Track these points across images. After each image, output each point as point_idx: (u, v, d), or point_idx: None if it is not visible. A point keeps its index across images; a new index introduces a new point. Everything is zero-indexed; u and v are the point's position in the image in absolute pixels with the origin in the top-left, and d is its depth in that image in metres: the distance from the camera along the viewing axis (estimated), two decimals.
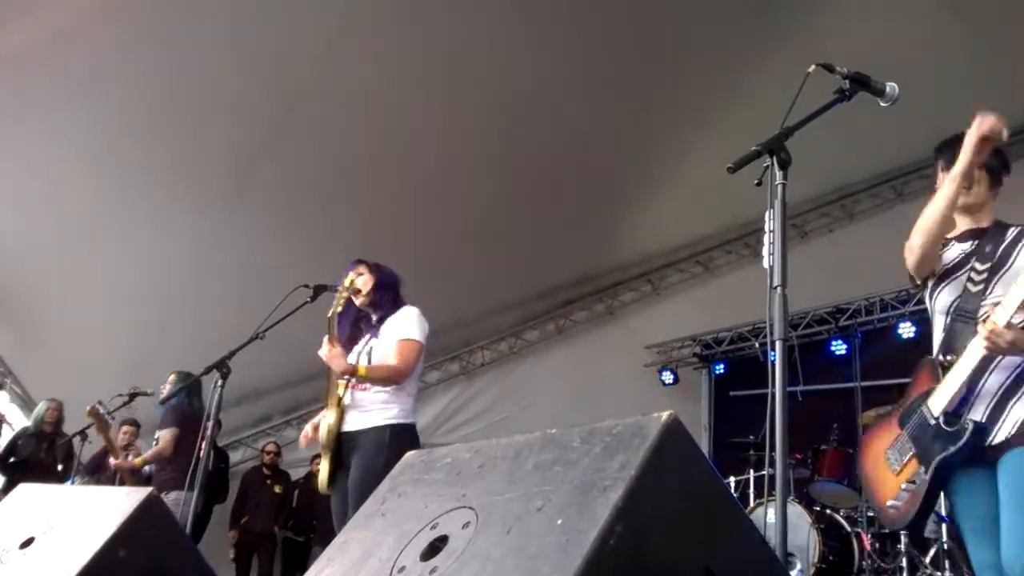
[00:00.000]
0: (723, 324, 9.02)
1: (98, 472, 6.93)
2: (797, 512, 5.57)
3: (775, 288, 2.16)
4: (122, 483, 6.35)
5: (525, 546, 1.27)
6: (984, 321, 2.33)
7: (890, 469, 2.54)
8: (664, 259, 9.43)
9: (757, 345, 8.54)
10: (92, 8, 5.46)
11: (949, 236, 2.65)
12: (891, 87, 2.40)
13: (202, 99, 6.15)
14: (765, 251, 2.22)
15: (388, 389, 3.67)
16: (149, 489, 2.35)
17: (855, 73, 2.38)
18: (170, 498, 5.39)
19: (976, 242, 2.56)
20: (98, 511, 2.30)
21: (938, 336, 2.57)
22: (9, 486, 6.34)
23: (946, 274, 2.58)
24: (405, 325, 3.74)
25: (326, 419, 3.68)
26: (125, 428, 6.68)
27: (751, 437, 6.60)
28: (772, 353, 2.16)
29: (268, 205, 7.00)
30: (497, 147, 6.95)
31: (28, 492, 2.77)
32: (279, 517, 8.43)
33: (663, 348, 9.60)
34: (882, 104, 2.43)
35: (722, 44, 6.42)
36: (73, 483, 6.39)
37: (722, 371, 9.37)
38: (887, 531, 5.43)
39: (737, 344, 8.98)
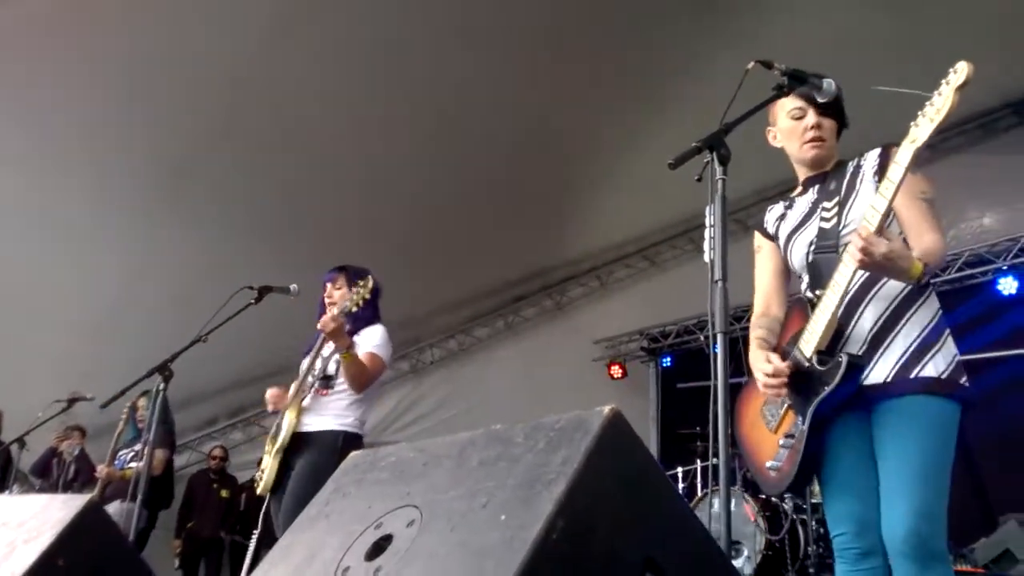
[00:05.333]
0: (669, 318, 9.16)
1: (43, 475, 6.79)
2: (749, 505, 5.67)
3: (716, 282, 2.19)
4: (65, 490, 6.22)
5: (469, 543, 1.27)
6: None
7: (767, 427, 2.40)
8: (611, 254, 9.52)
9: (702, 338, 8.67)
10: (28, 12, 5.32)
11: (792, 194, 2.61)
12: (827, 83, 2.43)
13: (141, 98, 6.02)
14: (706, 246, 2.25)
15: (348, 401, 3.77)
16: (88, 496, 2.30)
17: (792, 70, 2.40)
18: (112, 508, 5.30)
19: (818, 186, 2.51)
20: (35, 519, 2.24)
21: (805, 288, 2.47)
22: None
23: (796, 228, 2.50)
24: (374, 341, 3.85)
25: (286, 419, 3.69)
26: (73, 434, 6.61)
27: (698, 428, 6.71)
28: (715, 346, 2.19)
29: (209, 206, 6.86)
30: (442, 144, 6.92)
31: None
32: (225, 521, 8.32)
33: (611, 342, 9.69)
34: (819, 100, 2.46)
35: (666, 41, 6.48)
36: (11, 492, 6.23)
37: (669, 364, 9.51)
38: None
39: (683, 337, 9.11)
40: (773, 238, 2.60)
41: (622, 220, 8.78)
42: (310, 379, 3.82)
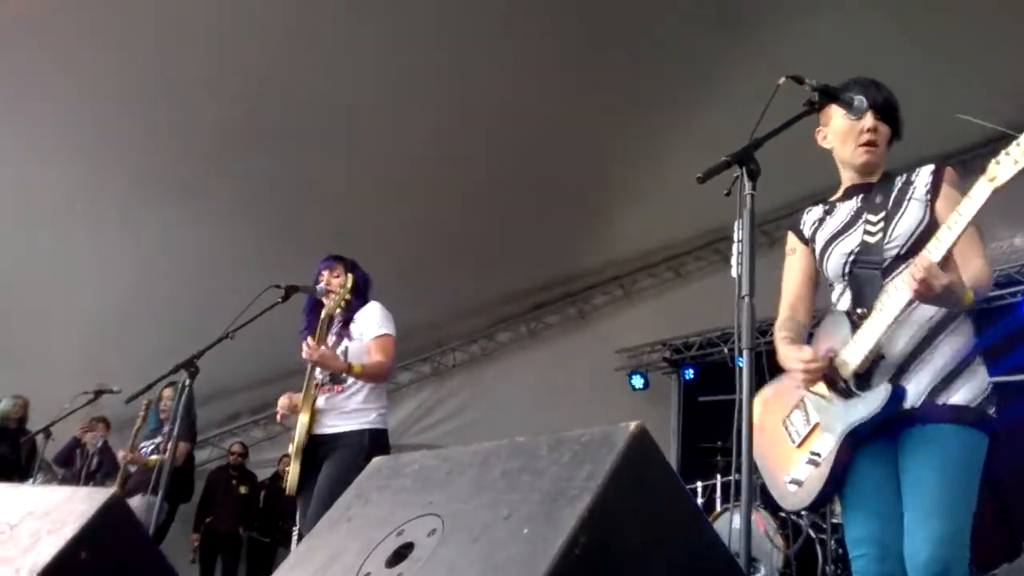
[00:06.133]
0: (693, 329, 9.08)
1: (66, 465, 6.87)
2: (762, 518, 5.62)
3: (743, 297, 2.18)
4: (87, 481, 6.29)
5: (491, 555, 1.27)
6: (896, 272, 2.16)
7: (789, 440, 2.35)
8: (636, 264, 9.48)
9: (726, 351, 8.61)
10: (57, 3, 5.39)
11: (832, 198, 2.53)
12: (859, 100, 2.41)
13: (165, 95, 6.08)
14: (734, 260, 2.23)
15: (365, 393, 3.74)
16: (111, 490, 2.32)
17: (824, 85, 2.38)
18: (134, 502, 5.34)
19: (863, 195, 2.43)
20: (59, 512, 2.27)
21: (837, 297, 2.41)
22: None
23: (836, 235, 2.42)
24: (376, 321, 3.82)
25: (300, 421, 3.68)
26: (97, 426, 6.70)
27: (719, 443, 6.65)
28: (740, 360, 2.17)
29: (233, 204, 6.92)
30: (467, 152, 6.94)
31: None
32: (244, 518, 8.36)
33: (633, 352, 9.64)
34: (850, 117, 2.44)
35: (697, 54, 6.47)
36: (36, 481, 6.30)
37: (691, 376, 9.43)
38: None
39: (706, 349, 9.05)
40: (808, 241, 2.54)
41: (647, 229, 8.74)
42: (319, 376, 3.78)
